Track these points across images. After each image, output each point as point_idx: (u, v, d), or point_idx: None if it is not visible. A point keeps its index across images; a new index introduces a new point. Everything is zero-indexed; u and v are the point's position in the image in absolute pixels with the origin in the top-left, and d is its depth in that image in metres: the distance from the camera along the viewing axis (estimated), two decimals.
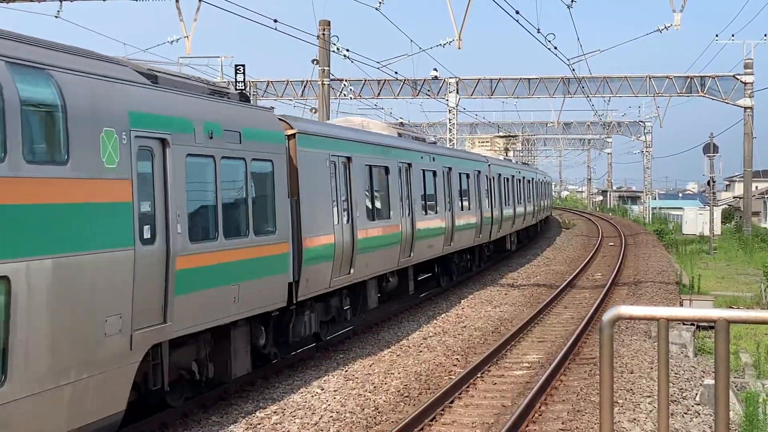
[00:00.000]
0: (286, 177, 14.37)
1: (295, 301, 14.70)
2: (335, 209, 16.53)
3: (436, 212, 23.98)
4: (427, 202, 23.28)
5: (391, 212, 19.95)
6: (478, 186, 30.15)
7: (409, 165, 21.71)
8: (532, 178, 47.51)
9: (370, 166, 18.81)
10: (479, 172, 30.57)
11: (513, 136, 58.87)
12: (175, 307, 11.08)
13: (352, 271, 17.28)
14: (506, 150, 52.90)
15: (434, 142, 30.94)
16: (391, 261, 20.03)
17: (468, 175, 28.64)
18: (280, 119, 14.93)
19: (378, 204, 19.32)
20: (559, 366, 15.57)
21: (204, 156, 12.05)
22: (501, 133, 64.05)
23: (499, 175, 35.05)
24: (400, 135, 23.22)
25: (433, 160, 24.23)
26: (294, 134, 14.96)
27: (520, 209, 40.52)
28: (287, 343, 15.38)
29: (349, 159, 17.51)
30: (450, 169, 26.01)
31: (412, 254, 21.52)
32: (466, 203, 28.16)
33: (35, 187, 8.78)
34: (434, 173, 24.21)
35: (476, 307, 23.90)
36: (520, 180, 41.52)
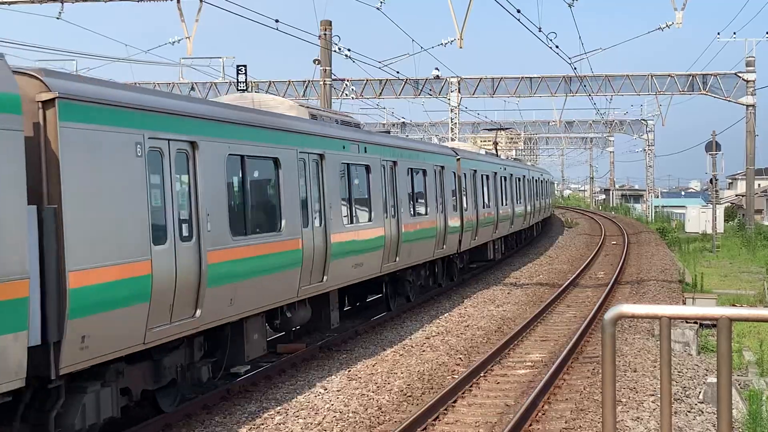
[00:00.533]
0: (25, 170, 8.93)
1: (54, 376, 9.31)
2: (157, 222, 11.02)
3: (371, 219, 18.83)
4: (355, 207, 18.10)
5: (283, 222, 14.46)
6: (441, 185, 24.80)
7: (321, 156, 16.31)
8: (524, 176, 42.10)
9: (242, 157, 13.26)
10: (443, 167, 25.07)
11: (503, 129, 55.08)
12: None
13: (198, 312, 11.78)
14: (495, 144, 48.28)
15: (387, 132, 25.14)
16: (285, 289, 14.63)
17: (424, 172, 23.20)
18: (18, 72, 9.44)
19: (256, 212, 13.92)
20: (562, 365, 15.57)
21: None
22: (488, 126, 59.83)
23: (474, 171, 29.57)
24: (314, 117, 17.59)
25: (365, 150, 18.81)
26: (53, 100, 9.47)
27: (505, 211, 35.36)
28: None
29: (193, 145, 11.86)
30: (395, 163, 20.71)
31: (326, 277, 16.21)
32: (421, 207, 22.83)
33: None
34: (367, 168, 18.93)
35: (479, 307, 23.89)
36: (506, 177, 36.12)
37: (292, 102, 18.00)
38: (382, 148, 20.03)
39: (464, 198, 27.62)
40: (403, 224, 20.75)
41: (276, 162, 14.49)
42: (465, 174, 27.96)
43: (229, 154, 12.88)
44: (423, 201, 23.05)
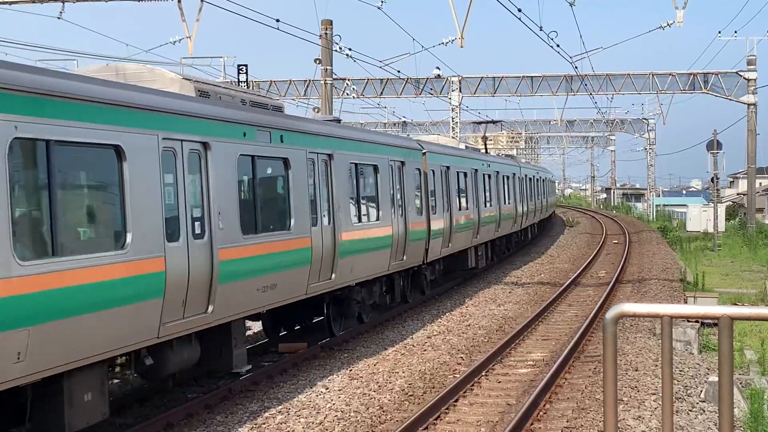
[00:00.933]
0: None
1: None
2: None
3: (290, 228, 14.93)
4: (263, 213, 14.19)
5: (130, 237, 10.60)
6: (399, 184, 20.89)
7: (204, 146, 12.40)
8: (514, 174, 38.13)
9: (46, 143, 9.47)
10: (403, 163, 21.16)
11: (493, 122, 52.80)
12: None
13: None
14: (484, 138, 45.12)
15: (338, 120, 20.81)
16: (136, 329, 10.73)
17: (375, 168, 19.33)
18: None
19: (74, 223, 10.25)
20: (564, 364, 15.58)
21: None
22: (477, 120, 56.33)
23: (447, 168, 25.66)
24: (204, 94, 13.48)
25: (282, 140, 14.79)
26: None
27: (489, 213, 31.46)
28: None
29: None
30: (330, 156, 16.81)
31: (212, 307, 12.34)
32: (370, 210, 19.04)
33: None
34: (285, 163, 14.96)
35: (480, 306, 23.90)
36: (490, 175, 32.18)
37: (174, 75, 13.83)
38: (309, 138, 16.01)
39: (433, 199, 23.79)
40: (341, 233, 16.96)
41: (118, 152, 10.56)
42: (434, 171, 24.09)
43: (17, 138, 9.03)
44: (373, 203, 19.21)
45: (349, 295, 18.49)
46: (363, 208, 18.55)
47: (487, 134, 48.44)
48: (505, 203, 34.89)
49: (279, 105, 16.33)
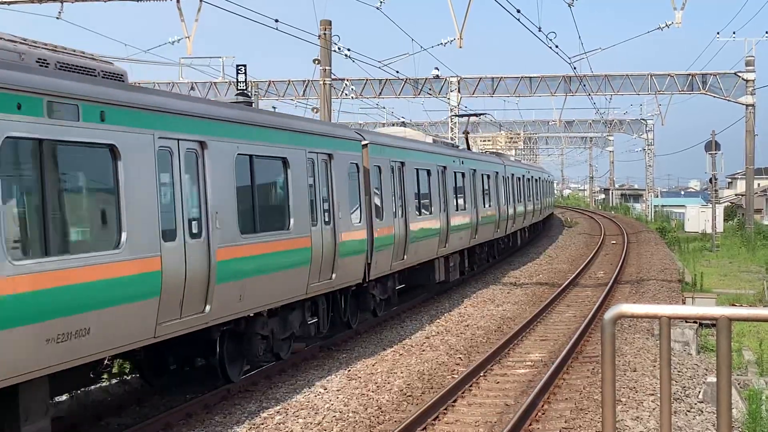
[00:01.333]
0: None
1: None
2: None
3: (119, 245, 10.40)
4: (58, 226, 9.69)
5: None
6: (325, 183, 16.68)
7: None
8: (497, 172, 33.79)
9: None
10: (330, 156, 16.82)
11: (476, 115, 50.10)
12: None
13: None
14: (466, 134, 40.27)
15: (245, 103, 15.56)
16: None
17: (285, 162, 14.87)
18: None
19: None
20: (562, 364, 15.60)
21: None
22: (461, 113, 53.01)
23: (401, 164, 21.41)
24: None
25: (102, 119, 10.25)
26: None
27: (462, 219, 27.05)
28: None
29: None
30: (202, 145, 12.37)
31: None
32: (276, 217, 14.64)
33: None
34: (113, 153, 10.51)
35: (479, 306, 23.91)
36: (464, 174, 27.89)
37: None
38: (160, 118, 11.41)
39: (378, 202, 19.62)
40: (217, 249, 12.40)
41: None
42: (380, 167, 19.86)
43: None
44: (280, 208, 14.91)
45: (251, 329, 14.27)
46: (261, 214, 14.01)
47: (485, 134, 47.56)
48: (484, 206, 30.60)
49: (120, 72, 11.49)
